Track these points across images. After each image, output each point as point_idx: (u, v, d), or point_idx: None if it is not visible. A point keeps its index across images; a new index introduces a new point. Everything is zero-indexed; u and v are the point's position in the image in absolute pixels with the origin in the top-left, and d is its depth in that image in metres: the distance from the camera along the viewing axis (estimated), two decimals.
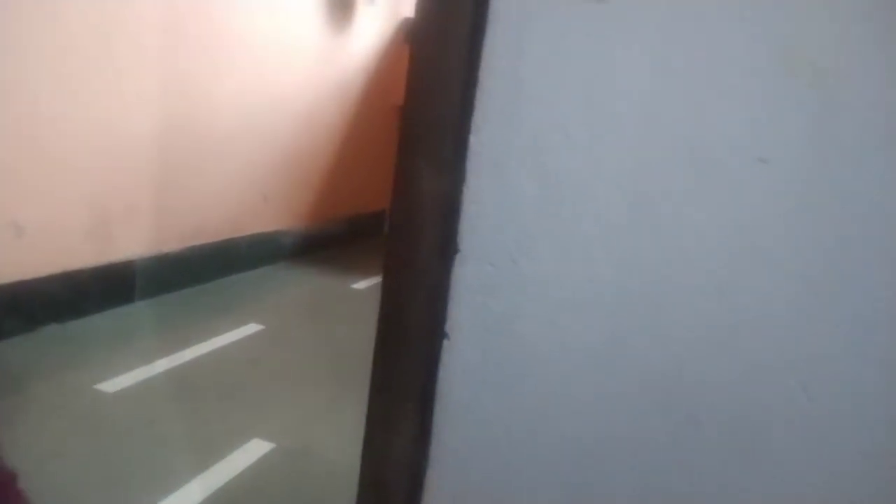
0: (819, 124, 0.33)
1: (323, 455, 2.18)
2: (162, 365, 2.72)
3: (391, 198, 0.44)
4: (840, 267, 0.32)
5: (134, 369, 2.62)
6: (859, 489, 0.35)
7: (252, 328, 3.31)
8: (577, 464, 0.40)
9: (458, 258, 0.38)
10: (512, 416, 0.40)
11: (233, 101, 3.88)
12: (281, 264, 4.57)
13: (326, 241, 4.98)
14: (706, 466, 0.36)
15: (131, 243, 3.34)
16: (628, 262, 0.36)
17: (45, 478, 1.89)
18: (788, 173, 0.33)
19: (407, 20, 5.30)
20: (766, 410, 0.35)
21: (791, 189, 0.32)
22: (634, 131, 0.36)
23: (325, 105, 4.76)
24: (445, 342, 0.47)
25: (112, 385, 2.48)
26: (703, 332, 0.36)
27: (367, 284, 4.23)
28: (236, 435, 2.24)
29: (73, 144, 2.88)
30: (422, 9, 0.42)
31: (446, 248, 0.39)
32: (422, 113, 0.40)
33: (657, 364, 0.37)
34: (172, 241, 3.61)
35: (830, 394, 0.34)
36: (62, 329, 2.91)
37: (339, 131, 4.97)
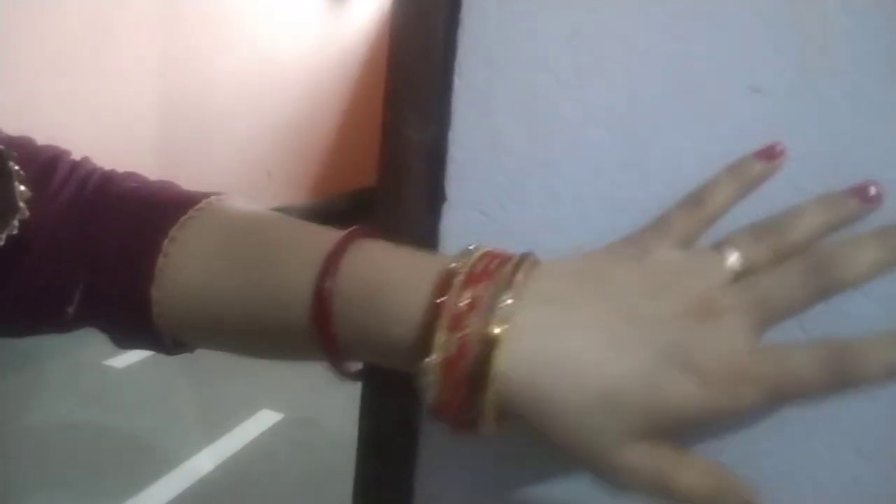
0: (813, 52, 0.32)
1: (331, 425, 2.20)
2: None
3: (378, 148, 0.43)
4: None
5: None
6: (870, 446, 0.34)
7: None
8: None
9: (446, 206, 0.37)
10: None
11: (234, 77, 3.86)
12: None
13: (332, 216, 4.98)
14: (707, 432, 0.35)
15: None
16: (620, 204, 0.35)
17: (56, 451, 1.92)
18: (782, 102, 0.31)
19: None
20: None
21: (785, 119, 0.31)
22: (624, 69, 0.35)
23: (328, 78, 4.73)
24: None
25: (121, 360, 2.50)
26: None
27: None
28: (245, 406, 2.27)
29: (72, 123, 2.87)
30: None
31: (434, 196, 0.39)
32: (405, 58, 0.39)
33: None
34: None
35: (828, 332, 0.33)
36: None
37: (343, 104, 4.94)
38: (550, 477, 0.39)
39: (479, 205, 0.38)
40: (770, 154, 0.31)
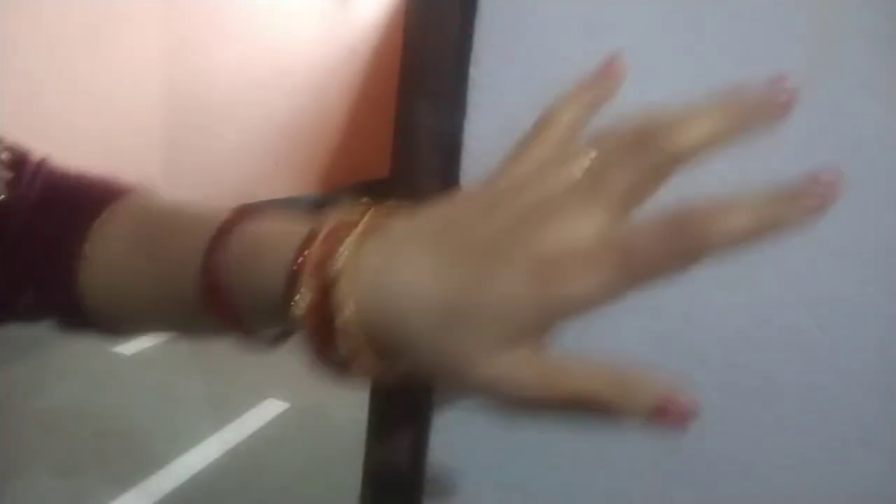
0: (829, 44, 0.31)
1: (337, 414, 2.20)
2: None
3: (391, 137, 0.43)
4: (851, 194, 0.31)
5: None
6: (872, 424, 0.34)
7: None
8: None
9: None
10: None
11: (241, 66, 3.85)
12: None
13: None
14: (712, 405, 0.35)
15: None
16: None
17: (64, 437, 1.93)
18: (798, 94, 0.31)
19: None
20: (776, 349, 0.34)
21: (800, 110, 0.31)
22: (638, 60, 0.34)
23: (336, 68, 4.72)
24: None
25: (130, 347, 2.51)
26: (712, 266, 0.35)
27: None
28: (252, 395, 2.27)
29: (76, 113, 2.88)
30: None
31: (448, 186, 0.39)
32: (420, 46, 0.39)
33: (664, 300, 0.36)
34: None
35: (844, 330, 0.33)
36: None
37: (352, 94, 4.93)
38: (561, 465, 0.39)
39: None
40: (610, 71, 0.31)
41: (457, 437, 0.42)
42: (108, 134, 3.04)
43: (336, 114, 4.86)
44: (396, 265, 0.27)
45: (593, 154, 0.27)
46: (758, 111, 0.26)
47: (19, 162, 0.41)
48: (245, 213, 0.34)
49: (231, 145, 3.94)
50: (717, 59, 0.34)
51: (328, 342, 0.28)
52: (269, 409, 2.23)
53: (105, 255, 0.39)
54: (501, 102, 0.38)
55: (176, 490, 1.78)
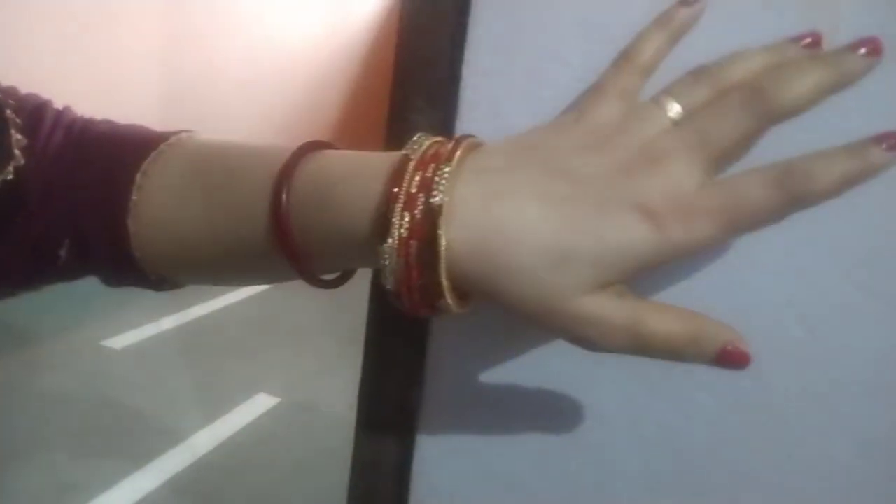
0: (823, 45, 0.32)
1: (329, 409, 2.21)
2: (169, 322, 2.75)
3: (384, 133, 0.43)
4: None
5: (140, 326, 2.65)
6: (857, 424, 0.34)
7: (259, 287, 3.33)
8: (573, 404, 0.40)
9: None
10: (504, 355, 0.40)
11: (237, 62, 3.84)
12: None
13: None
14: (700, 407, 0.36)
15: None
16: None
17: (53, 431, 1.93)
18: None
19: None
20: (762, 348, 0.35)
21: None
22: None
23: (333, 65, 4.71)
24: None
25: (119, 341, 2.51)
26: (695, 266, 0.35)
27: None
28: (242, 390, 2.27)
29: (76, 100, 2.85)
30: None
31: None
32: (414, 45, 0.39)
33: (649, 298, 0.36)
34: None
35: (829, 329, 0.33)
36: (66, 287, 2.93)
37: (348, 91, 4.93)
38: (549, 459, 0.40)
39: None
40: (689, 1, 0.32)
41: (445, 432, 0.42)
42: None
43: (332, 110, 4.86)
44: (501, 203, 0.28)
45: (682, 103, 0.29)
46: (852, 63, 0.28)
47: (36, 120, 0.39)
48: (309, 147, 0.33)
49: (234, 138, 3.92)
50: (712, 54, 0.34)
51: (418, 277, 0.28)
52: (260, 404, 2.23)
53: (156, 199, 0.36)
54: (494, 100, 0.38)
55: (166, 484, 1.78)
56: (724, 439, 0.37)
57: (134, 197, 0.36)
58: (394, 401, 0.44)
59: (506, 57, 0.37)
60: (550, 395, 0.39)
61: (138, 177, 0.36)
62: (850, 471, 0.35)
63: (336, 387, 2.35)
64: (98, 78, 2.96)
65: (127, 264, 0.37)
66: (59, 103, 0.43)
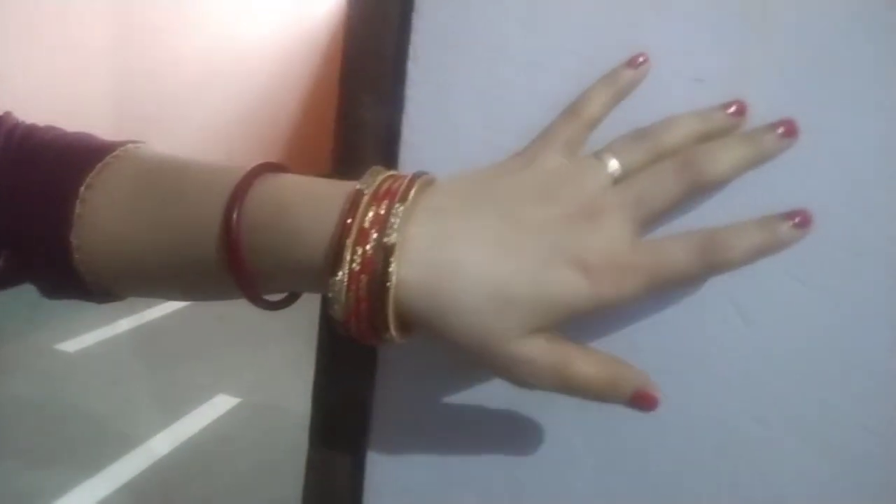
0: (754, 42, 0.33)
1: (290, 409, 2.19)
2: (125, 325, 2.69)
3: (334, 131, 0.43)
4: (771, 184, 0.33)
5: (96, 329, 2.59)
6: (798, 411, 0.35)
7: None
8: (520, 392, 0.40)
9: None
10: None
11: (194, 56, 3.78)
12: None
13: None
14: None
15: None
16: None
17: (8, 435, 1.88)
18: (722, 92, 0.33)
19: None
20: (702, 335, 0.36)
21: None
22: (576, 56, 0.35)
23: (293, 60, 4.66)
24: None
25: (73, 345, 2.45)
26: None
27: None
28: (202, 391, 2.24)
29: (23, 101, 2.78)
30: None
31: None
32: (360, 40, 0.39)
33: None
34: None
35: (765, 316, 0.34)
36: (17, 290, 2.86)
37: (308, 87, 4.88)
38: (500, 462, 0.40)
39: None
40: (635, 63, 0.34)
41: (397, 434, 0.42)
42: (52, 120, 2.94)
43: (291, 107, 4.81)
44: (452, 245, 0.30)
45: (622, 161, 0.32)
46: (770, 143, 0.32)
47: None
48: (261, 169, 0.33)
49: (183, 137, 3.86)
50: (651, 57, 0.35)
51: (366, 310, 0.29)
52: (220, 405, 2.20)
53: (101, 213, 0.35)
54: (441, 96, 0.38)
55: (123, 488, 1.75)
56: (667, 425, 0.38)
57: (78, 210, 0.35)
58: (346, 401, 0.44)
59: (451, 53, 0.38)
60: (503, 399, 0.39)
61: (82, 190, 0.35)
62: (785, 452, 0.36)
63: (297, 387, 2.32)
64: (51, 73, 2.88)
65: (69, 278, 0.36)
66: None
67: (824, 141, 0.33)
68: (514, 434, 0.39)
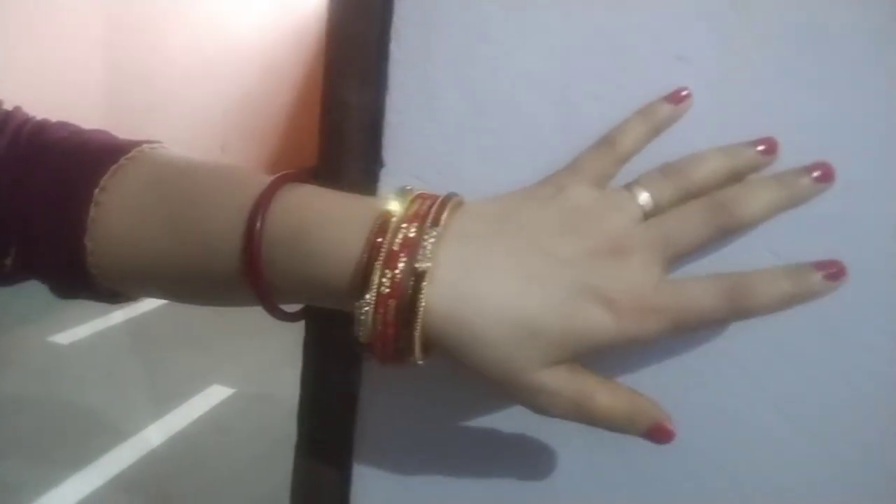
0: (739, 20, 0.33)
1: (284, 400, 2.19)
2: (118, 316, 2.69)
3: (319, 115, 0.42)
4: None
5: (89, 321, 2.59)
6: (797, 408, 0.35)
7: None
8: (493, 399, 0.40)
9: (384, 172, 0.37)
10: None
11: (187, 49, 3.76)
12: None
13: None
14: (632, 378, 0.36)
15: None
16: (554, 171, 0.36)
17: (2, 427, 1.88)
18: (707, 71, 0.32)
19: None
20: (702, 332, 0.36)
21: (710, 88, 0.32)
22: (559, 36, 0.35)
23: (285, 53, 4.64)
24: None
25: (66, 337, 2.45)
26: None
27: None
28: (196, 381, 2.24)
29: (12, 93, 2.76)
30: None
31: (372, 162, 0.39)
32: (343, 24, 0.39)
33: None
34: None
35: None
36: None
37: (301, 79, 4.86)
38: (491, 453, 0.40)
39: (416, 171, 0.39)
40: (677, 98, 0.33)
41: (385, 423, 0.42)
42: (45, 114, 2.92)
43: (284, 98, 4.79)
44: (481, 273, 0.29)
45: (652, 197, 0.32)
46: (804, 187, 0.31)
47: None
48: (285, 179, 0.33)
49: (179, 130, 3.85)
50: (635, 37, 0.35)
51: (392, 333, 0.29)
52: (214, 395, 2.21)
53: (115, 217, 0.34)
54: (423, 78, 0.38)
55: (116, 478, 1.75)
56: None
57: (92, 214, 0.34)
58: (336, 390, 0.44)
59: (434, 35, 0.37)
60: (492, 407, 0.39)
61: (97, 192, 0.35)
62: (785, 448, 0.36)
63: (291, 378, 2.33)
64: (43, 63, 2.87)
65: (81, 279, 0.36)
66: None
67: (806, 118, 0.33)
68: (501, 433, 0.39)
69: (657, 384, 0.35)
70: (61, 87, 3.00)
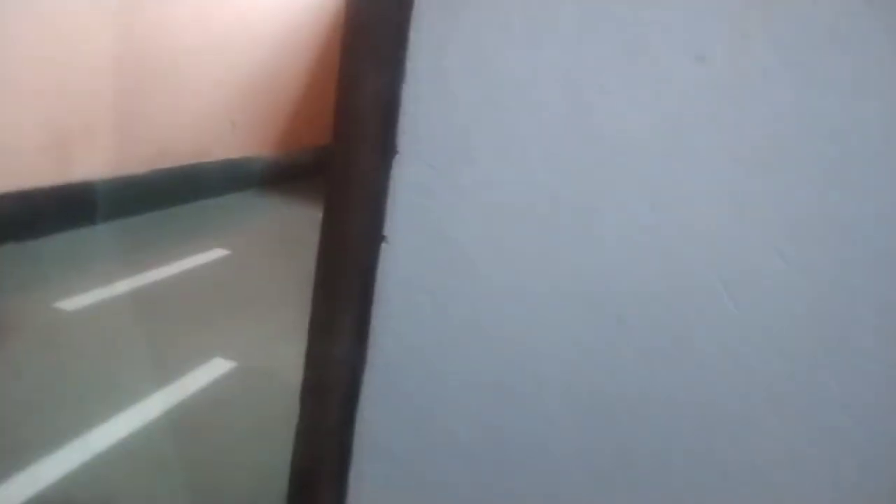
0: (756, 21, 0.33)
1: (284, 374, 2.20)
2: (123, 286, 2.70)
3: (335, 99, 0.43)
4: (768, 168, 0.33)
5: (94, 289, 2.60)
6: (782, 390, 0.36)
7: (217, 253, 3.28)
8: (508, 364, 0.41)
9: (397, 159, 0.38)
10: (445, 319, 0.41)
11: (198, 19, 3.74)
12: (249, 192, 4.51)
13: (298, 170, 4.91)
14: (630, 368, 0.37)
15: (91, 164, 3.26)
16: (563, 166, 0.36)
17: (3, 392, 1.89)
18: (723, 72, 0.33)
19: None
20: (689, 312, 0.36)
21: (725, 88, 0.33)
22: (575, 31, 0.35)
23: (299, 30, 4.61)
24: (384, 245, 0.46)
25: (71, 303, 2.46)
26: (634, 234, 0.36)
27: None
28: (197, 354, 2.25)
29: (25, 63, 2.76)
30: None
31: (386, 148, 0.39)
32: (362, 11, 0.39)
33: (588, 267, 0.38)
34: (134, 164, 3.53)
35: (752, 296, 0.35)
36: (20, 248, 2.86)
37: (313, 56, 4.83)
38: (492, 424, 0.41)
39: (429, 159, 0.39)
40: None
41: (386, 393, 0.43)
42: (58, 91, 2.93)
43: (296, 76, 4.77)
44: None
45: None
46: None
47: None
48: None
49: (188, 104, 3.84)
50: (651, 34, 0.35)
51: None
52: (216, 368, 2.21)
53: None
54: (440, 68, 0.38)
55: (116, 445, 1.77)
56: (650, 398, 0.38)
57: None
58: (339, 364, 0.45)
59: (453, 26, 0.38)
60: (488, 364, 0.40)
61: None
62: (769, 431, 0.37)
63: (293, 353, 2.34)
64: (50, 40, 2.86)
65: None
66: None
67: (822, 121, 0.33)
68: (490, 426, 0.40)
69: (655, 384, 0.36)
70: (72, 55, 2.99)
